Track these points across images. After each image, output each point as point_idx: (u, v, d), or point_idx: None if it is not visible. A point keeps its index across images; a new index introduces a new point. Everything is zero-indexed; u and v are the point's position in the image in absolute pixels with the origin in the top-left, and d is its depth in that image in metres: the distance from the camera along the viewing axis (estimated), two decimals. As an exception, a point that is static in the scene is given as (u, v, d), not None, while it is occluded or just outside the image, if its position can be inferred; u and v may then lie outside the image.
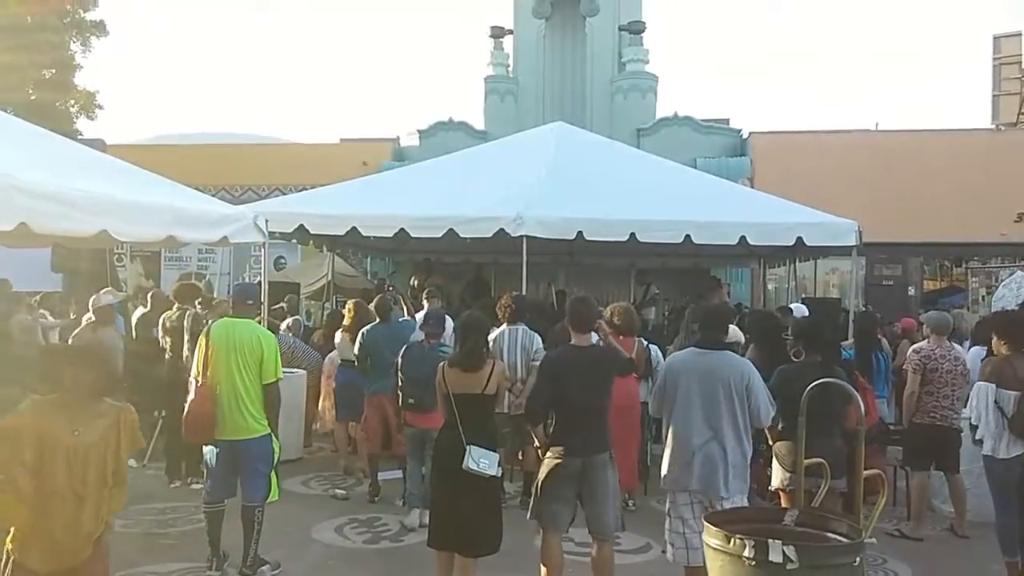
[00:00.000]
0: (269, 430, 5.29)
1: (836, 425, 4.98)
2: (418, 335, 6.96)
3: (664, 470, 4.78)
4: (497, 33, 17.65)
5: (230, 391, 5.18)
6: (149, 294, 9.62)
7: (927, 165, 15.19)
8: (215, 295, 13.09)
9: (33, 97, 18.23)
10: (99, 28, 18.87)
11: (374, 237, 10.52)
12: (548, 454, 4.76)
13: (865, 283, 15.05)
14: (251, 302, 5.67)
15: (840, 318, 8.99)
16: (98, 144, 16.11)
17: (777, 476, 5.16)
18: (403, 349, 6.46)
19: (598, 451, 4.73)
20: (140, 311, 9.43)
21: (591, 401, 4.76)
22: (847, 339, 7.80)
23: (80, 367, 3.51)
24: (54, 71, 18.57)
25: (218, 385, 5.21)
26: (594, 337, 5.31)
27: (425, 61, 67.93)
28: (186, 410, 5.32)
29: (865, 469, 3.85)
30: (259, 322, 6.33)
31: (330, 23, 67.87)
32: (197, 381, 5.33)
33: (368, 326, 7.44)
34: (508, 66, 17.64)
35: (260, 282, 8.54)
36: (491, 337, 6.74)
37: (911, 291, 15.45)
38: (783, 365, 5.26)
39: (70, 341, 7.87)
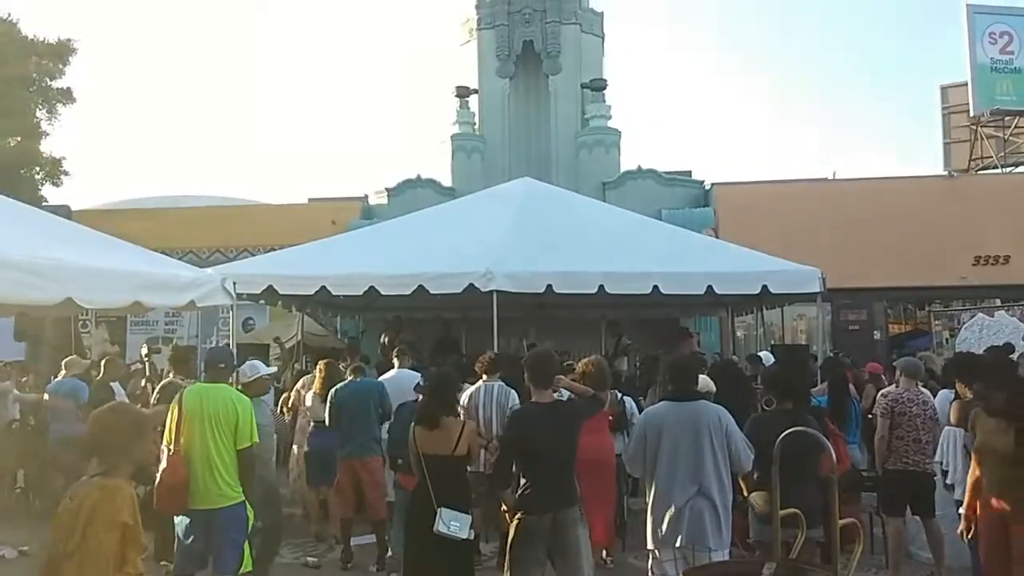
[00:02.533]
0: (243, 497, 5.16)
1: (811, 473, 4.98)
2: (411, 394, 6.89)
3: (649, 527, 4.70)
4: (462, 93, 17.94)
5: (203, 459, 5.04)
6: (103, 360, 9.34)
7: (886, 211, 15.55)
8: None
9: (-3, 164, 18.07)
10: (65, 95, 18.86)
11: (344, 296, 10.50)
12: (517, 515, 4.69)
13: (832, 328, 15.27)
14: (223, 366, 5.58)
15: (810, 364, 9.08)
16: (64, 210, 16.03)
17: (754, 527, 5.13)
18: (395, 408, 6.40)
19: (567, 505, 4.68)
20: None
21: (557, 458, 4.70)
22: (816, 385, 7.86)
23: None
24: (19, 139, 18.48)
25: (191, 453, 5.07)
26: (565, 393, 5.29)
27: (392, 120, 68.69)
28: (158, 480, 5.17)
29: (840, 517, 3.85)
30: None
31: (297, 85, 68.51)
32: (169, 449, 5.19)
33: (338, 385, 7.38)
34: (474, 124, 17.90)
35: (228, 344, 8.45)
36: (467, 392, 6.71)
37: (877, 335, 15.67)
38: (754, 414, 5.26)
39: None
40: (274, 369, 7.21)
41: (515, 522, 4.67)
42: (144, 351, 9.19)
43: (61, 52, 18.54)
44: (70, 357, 9.48)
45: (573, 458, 4.80)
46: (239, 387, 6.48)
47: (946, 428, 5.48)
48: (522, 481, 4.73)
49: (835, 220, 15.41)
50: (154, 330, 15.10)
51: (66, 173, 19.41)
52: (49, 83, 18.75)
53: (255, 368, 6.55)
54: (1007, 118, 19.57)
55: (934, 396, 6.94)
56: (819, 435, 3.90)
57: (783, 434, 3.97)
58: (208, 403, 5.16)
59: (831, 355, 10.28)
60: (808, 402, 5.83)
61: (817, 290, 9.07)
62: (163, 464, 5.18)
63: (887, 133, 61.34)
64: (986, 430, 4.56)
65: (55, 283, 5.27)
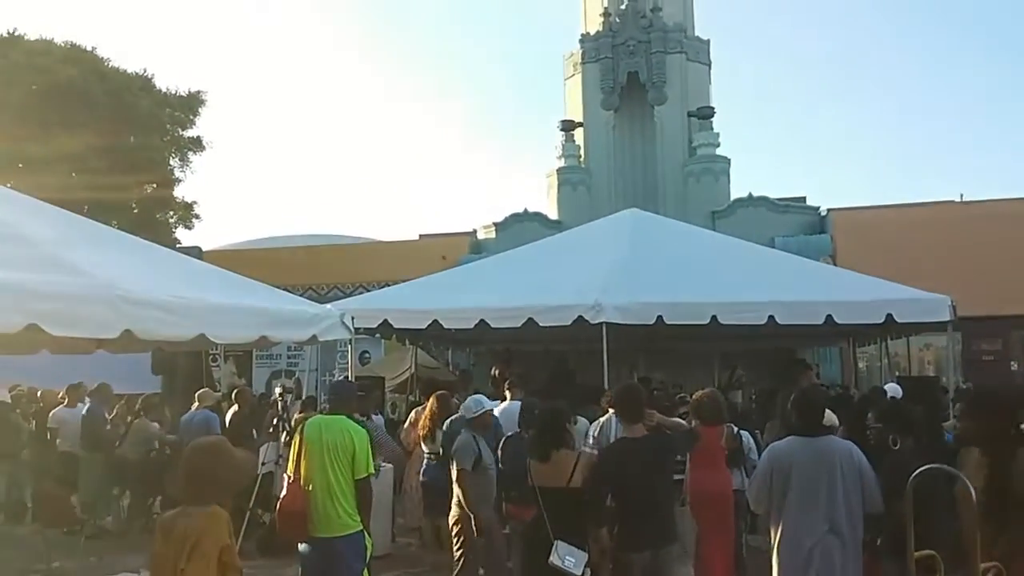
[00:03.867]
0: (362, 526, 5.30)
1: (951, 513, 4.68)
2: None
3: (775, 568, 4.51)
4: (568, 126, 18.11)
5: (324, 488, 5.23)
6: (234, 392, 9.82)
7: (1020, 233, 14.61)
8: (304, 392, 13.41)
9: (136, 211, 19.42)
10: (196, 144, 20.12)
11: (455, 329, 10.67)
12: (617, 555, 4.57)
13: (963, 359, 14.38)
14: (335, 397, 5.78)
15: (940, 397, 8.59)
16: (195, 251, 17.05)
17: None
18: (502, 441, 6.43)
19: (668, 543, 4.57)
20: (233, 409, 9.71)
21: (651, 493, 4.61)
22: (948, 419, 7.41)
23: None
24: (155, 185, 19.82)
25: (311, 482, 5.28)
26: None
27: (499, 155, 69.90)
28: (278, 507, 5.40)
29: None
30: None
31: (410, 125, 70.78)
32: (290, 478, 5.43)
33: (452, 417, 7.47)
34: (580, 157, 17.98)
35: (347, 377, 8.73)
36: (598, 423, 6.64)
37: (1014, 366, 14.65)
38: (891, 456, 4.96)
39: None
40: (498, 403, 7.31)
41: (616, 562, 4.58)
42: (278, 391, 9.67)
43: (192, 104, 19.84)
44: (202, 390, 10.02)
45: (669, 493, 4.71)
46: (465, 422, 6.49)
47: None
48: (619, 519, 4.65)
49: (964, 245, 14.59)
50: (278, 363, 15.78)
51: (197, 217, 20.66)
52: (181, 133, 20.06)
53: (479, 403, 6.47)
54: None
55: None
56: (949, 469, 3.67)
57: (915, 473, 3.77)
58: (327, 434, 5.36)
59: (964, 388, 9.69)
60: (941, 436, 5.52)
61: (947, 319, 8.62)
62: (283, 492, 5.43)
63: (1019, 150, 57.74)
64: (967, 468, 3.98)
65: (190, 320, 5.62)
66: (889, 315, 8.70)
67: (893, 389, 8.25)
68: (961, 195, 16.86)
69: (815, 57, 62.56)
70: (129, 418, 10.29)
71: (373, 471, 5.45)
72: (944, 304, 8.63)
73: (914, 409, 5.33)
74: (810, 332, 11.22)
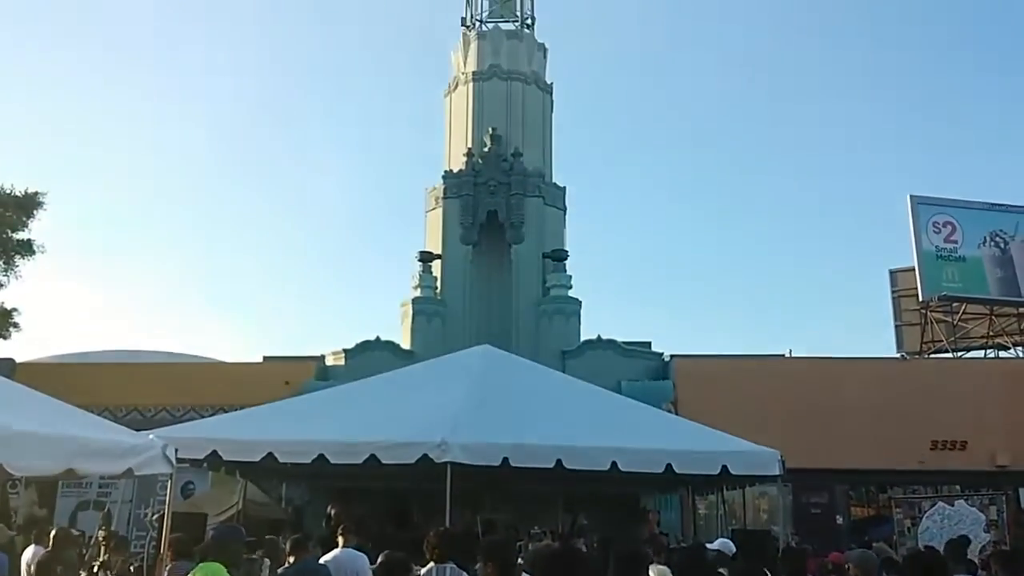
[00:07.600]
0: None
1: None
2: None
3: None
4: (426, 258, 18.27)
5: None
6: (52, 533, 8.55)
7: (842, 392, 15.71)
8: (114, 526, 12.12)
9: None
10: (25, 248, 18.68)
11: (291, 463, 10.09)
12: None
13: (794, 509, 14.96)
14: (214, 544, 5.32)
15: (771, 551, 8.79)
16: (7, 364, 15.54)
17: None
18: None
19: None
20: (33, 549, 8.39)
21: None
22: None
23: None
24: (-29, 288, 18.14)
25: None
26: None
27: (353, 282, 69.03)
28: None
29: None
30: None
31: (259, 242, 69.00)
32: None
33: (279, 570, 6.96)
34: (436, 289, 18.07)
35: (163, 514, 7.98)
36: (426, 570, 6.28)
37: (839, 520, 15.38)
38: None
39: None
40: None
41: None
42: (101, 534, 8.88)
43: (27, 205, 18.53)
44: (-12, 524, 8.83)
45: None
46: None
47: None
48: None
49: (792, 397, 15.50)
50: (87, 493, 14.14)
51: (15, 326, 18.86)
52: (10, 235, 18.61)
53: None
54: (954, 304, 20.27)
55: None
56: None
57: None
58: None
59: (792, 543, 10.00)
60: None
61: (776, 473, 8.99)
62: None
63: (839, 312, 63.13)
64: None
65: (-17, 448, 4.98)
66: (724, 467, 8.97)
67: (725, 544, 8.40)
68: (789, 351, 18.07)
69: (666, 211, 67.07)
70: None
71: None
72: (774, 458, 9.02)
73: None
74: (652, 479, 11.40)
